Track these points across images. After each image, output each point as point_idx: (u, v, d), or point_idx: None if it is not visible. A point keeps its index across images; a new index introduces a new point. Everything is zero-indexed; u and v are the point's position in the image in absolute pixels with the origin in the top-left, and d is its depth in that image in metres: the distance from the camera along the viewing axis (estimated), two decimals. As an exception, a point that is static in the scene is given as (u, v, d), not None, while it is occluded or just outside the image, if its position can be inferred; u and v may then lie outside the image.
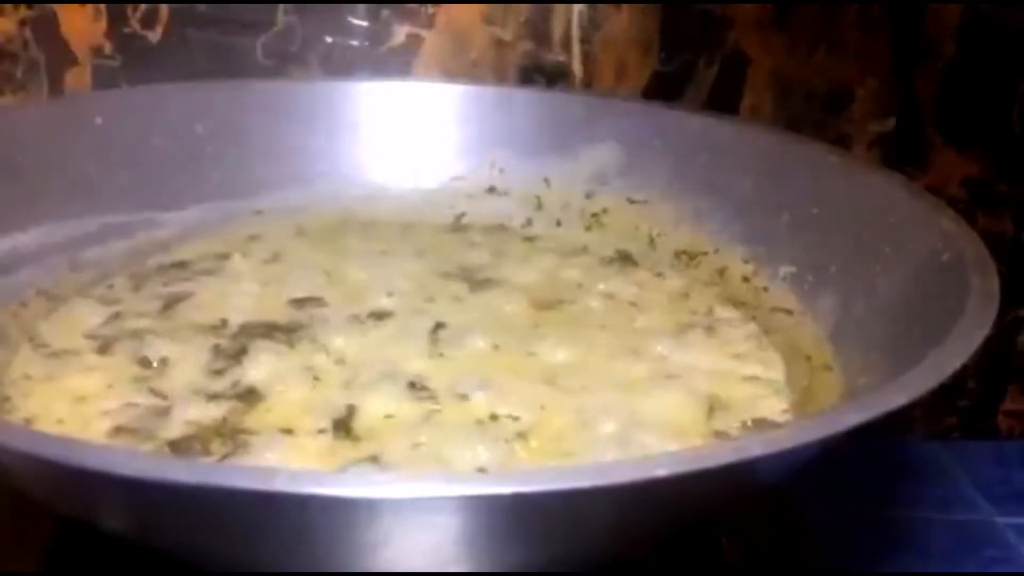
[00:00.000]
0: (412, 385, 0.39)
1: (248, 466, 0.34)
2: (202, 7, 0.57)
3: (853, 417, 0.27)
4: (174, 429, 0.36)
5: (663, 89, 0.61)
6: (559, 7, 0.59)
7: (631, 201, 0.52)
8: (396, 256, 0.50)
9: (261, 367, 0.40)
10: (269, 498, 0.24)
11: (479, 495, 0.25)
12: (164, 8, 0.57)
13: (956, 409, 0.70)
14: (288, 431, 0.36)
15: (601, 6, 0.59)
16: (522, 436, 0.36)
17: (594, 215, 0.53)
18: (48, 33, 0.57)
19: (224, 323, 0.43)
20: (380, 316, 0.44)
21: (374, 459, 0.35)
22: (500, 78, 0.60)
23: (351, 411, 0.37)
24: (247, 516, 0.26)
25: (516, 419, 0.37)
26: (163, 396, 0.38)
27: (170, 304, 0.45)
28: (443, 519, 0.26)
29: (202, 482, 0.24)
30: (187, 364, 0.40)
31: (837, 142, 0.62)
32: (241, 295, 0.45)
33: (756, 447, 0.26)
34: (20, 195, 0.45)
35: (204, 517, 0.27)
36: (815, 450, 0.28)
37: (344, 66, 0.59)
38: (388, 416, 0.37)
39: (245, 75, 0.57)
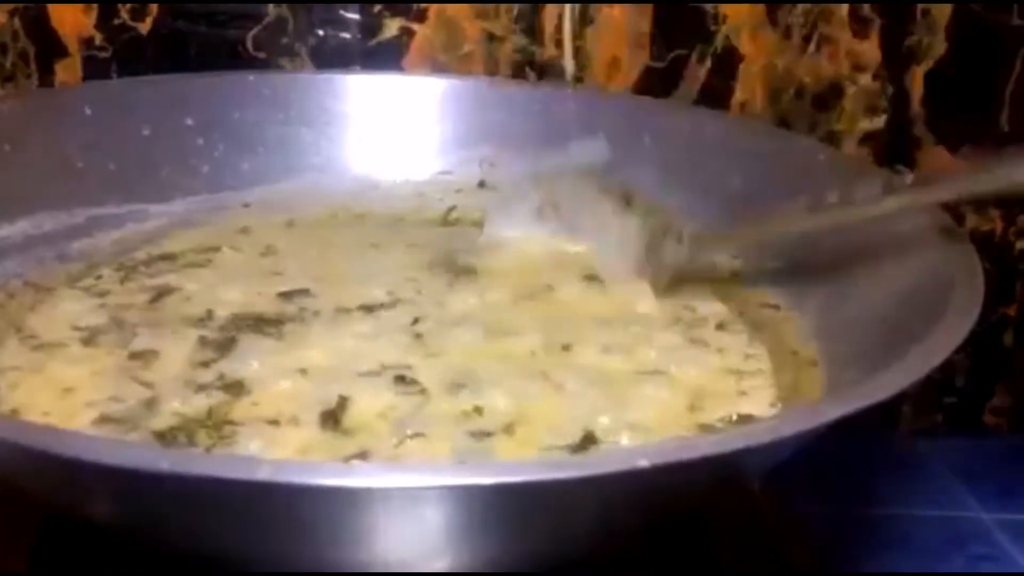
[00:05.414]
0: (400, 378, 0.39)
1: (232, 455, 0.34)
2: (192, -1, 0.57)
3: (834, 411, 0.28)
4: (160, 420, 0.36)
5: (655, 84, 0.61)
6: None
7: (621, 196, 0.52)
8: (386, 249, 0.50)
9: (248, 359, 0.40)
10: (251, 488, 0.24)
11: (463, 485, 0.25)
12: (154, 0, 0.57)
13: (943, 406, 0.70)
14: (274, 423, 0.36)
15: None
16: (508, 428, 0.36)
17: (584, 210, 0.53)
18: (38, 24, 0.57)
19: (212, 315, 0.43)
20: (369, 309, 0.44)
21: (362, 452, 0.35)
22: (491, 72, 0.60)
23: (339, 404, 0.37)
24: (229, 506, 0.26)
25: (502, 411, 0.37)
26: (149, 387, 0.38)
27: (158, 296, 0.45)
28: (425, 510, 0.26)
29: (185, 471, 0.24)
30: (174, 356, 0.40)
31: (827, 139, 0.62)
32: (229, 287, 0.45)
33: (738, 439, 0.26)
34: (8, 186, 0.45)
35: (187, 507, 0.27)
36: (797, 443, 0.28)
37: (335, 59, 0.59)
38: (375, 409, 0.37)
39: (235, 67, 0.57)
